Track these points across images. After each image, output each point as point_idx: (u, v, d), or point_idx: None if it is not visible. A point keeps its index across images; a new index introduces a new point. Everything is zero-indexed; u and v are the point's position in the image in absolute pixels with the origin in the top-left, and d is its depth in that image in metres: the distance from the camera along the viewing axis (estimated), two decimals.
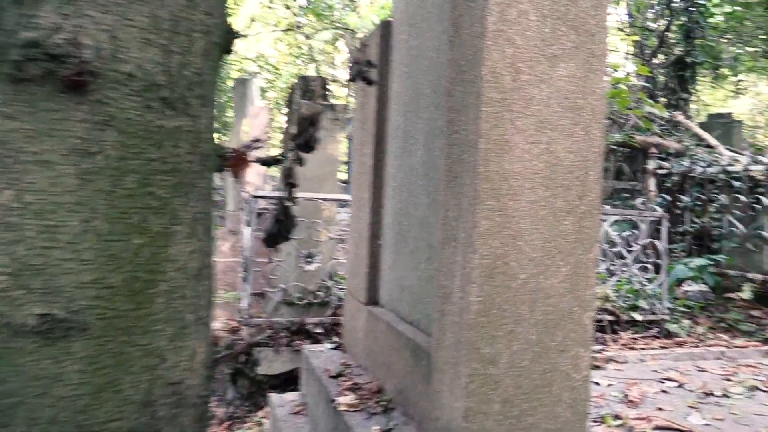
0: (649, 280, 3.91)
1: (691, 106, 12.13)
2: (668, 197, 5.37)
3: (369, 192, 2.07)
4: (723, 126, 9.23)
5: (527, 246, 1.26)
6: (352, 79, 2.04)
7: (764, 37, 11.72)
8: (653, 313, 3.81)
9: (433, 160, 1.63)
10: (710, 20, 11.04)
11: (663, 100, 8.34)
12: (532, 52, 1.26)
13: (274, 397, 2.40)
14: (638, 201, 4.02)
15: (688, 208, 5.17)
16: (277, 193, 3.05)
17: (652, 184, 5.57)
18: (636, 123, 6.52)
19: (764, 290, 4.71)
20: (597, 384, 2.39)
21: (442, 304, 1.38)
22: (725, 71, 13.09)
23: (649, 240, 3.88)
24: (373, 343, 1.94)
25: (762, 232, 4.48)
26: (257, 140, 1.20)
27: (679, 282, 4.71)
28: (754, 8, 12.64)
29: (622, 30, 9.97)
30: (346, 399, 1.78)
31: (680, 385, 2.40)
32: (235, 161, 1.09)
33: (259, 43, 15.75)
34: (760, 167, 4.54)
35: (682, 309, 4.41)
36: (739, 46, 12.01)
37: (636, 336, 3.65)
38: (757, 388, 2.38)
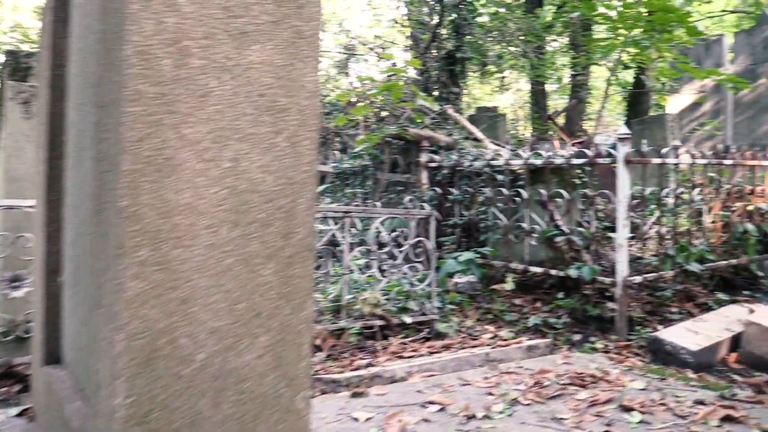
0: (420, 280, 3.80)
1: (462, 99, 12.86)
2: (439, 190, 5.41)
3: (43, 211, 1.52)
4: (489, 119, 9.83)
5: (206, 312, 0.86)
6: None
7: (523, 38, 12.77)
8: (423, 314, 3.70)
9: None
10: (478, 19, 11.74)
11: (436, 93, 8.61)
12: (208, 25, 0.86)
13: None
14: (406, 199, 3.89)
15: (458, 201, 5.25)
16: None
17: (424, 177, 5.58)
18: (410, 115, 6.54)
19: (525, 279, 4.92)
20: (356, 420, 2.10)
21: (89, 402, 0.93)
22: (491, 68, 14.08)
23: (417, 239, 3.76)
24: (55, 419, 1.42)
25: (522, 224, 4.65)
26: None
27: (451, 275, 4.74)
28: (515, 11, 13.72)
29: (397, 22, 10.14)
30: None
31: (443, 408, 2.20)
32: None
33: None
34: (519, 161, 4.69)
35: (452, 306, 4.41)
36: (503, 45, 12.95)
37: (406, 340, 3.50)
38: (518, 402, 2.28)
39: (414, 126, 6.38)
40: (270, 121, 0.89)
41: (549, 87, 16.64)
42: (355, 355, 3.20)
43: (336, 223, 3.56)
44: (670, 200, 4.41)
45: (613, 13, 6.99)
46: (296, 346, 0.94)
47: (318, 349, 3.25)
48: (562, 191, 4.37)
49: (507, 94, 19.45)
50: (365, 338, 3.41)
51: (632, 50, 7.34)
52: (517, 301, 4.68)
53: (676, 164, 4.41)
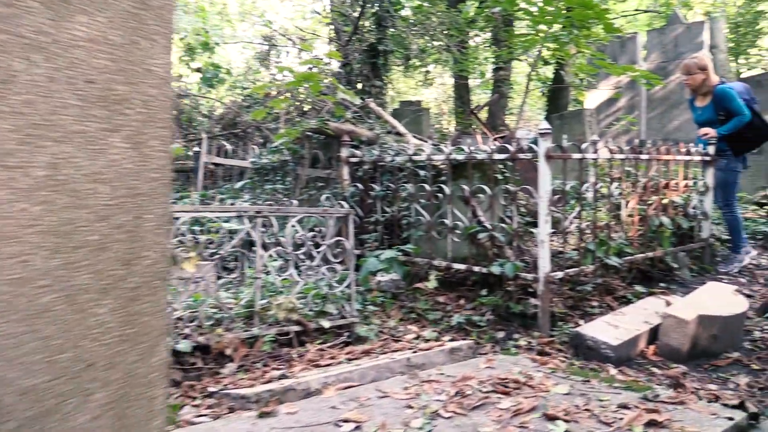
0: (340, 281, 3.62)
1: (388, 93, 12.76)
2: (361, 186, 5.25)
3: None
4: (413, 113, 9.77)
5: (13, 369, 0.65)
6: None
7: (447, 32, 12.77)
8: (343, 317, 3.53)
9: None
10: (401, 12, 11.65)
11: (359, 86, 8.45)
12: None
13: None
14: (323, 197, 3.70)
15: (380, 197, 5.10)
16: None
17: (345, 172, 5.41)
18: (331, 109, 6.34)
19: (449, 276, 4.84)
20: None
21: None
22: (415, 61, 14.04)
23: (336, 239, 3.58)
24: None
25: (445, 220, 4.55)
26: None
27: (373, 273, 4.59)
28: (438, 5, 13.73)
29: (319, 14, 9.90)
30: None
31: (358, 427, 2.04)
32: None
33: None
34: (441, 157, 4.59)
35: (374, 306, 4.26)
36: (426, 39, 12.93)
37: (324, 346, 3.32)
38: (438, 415, 2.14)
39: (335, 120, 6.19)
40: (103, 115, 0.69)
41: (472, 81, 16.82)
42: (269, 364, 2.99)
43: (250, 222, 3.34)
44: (590, 195, 4.42)
45: (533, 9, 7.04)
46: (146, 401, 0.74)
47: (229, 359, 3.02)
48: (485, 187, 4.30)
49: (431, 88, 19.53)
50: (280, 345, 3.21)
51: (552, 46, 7.43)
52: (441, 299, 4.58)
53: (596, 159, 4.42)
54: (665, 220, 4.99)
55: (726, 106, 5.40)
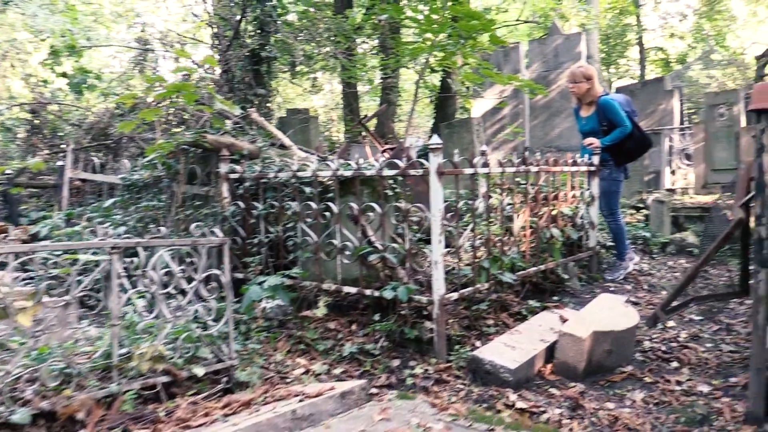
0: (216, 319, 3.20)
1: (274, 101, 12.29)
2: (243, 204, 4.83)
3: None
4: (301, 122, 9.39)
5: None
6: None
7: (334, 38, 12.53)
8: (220, 361, 3.12)
9: None
10: (287, 17, 11.25)
11: (242, 95, 7.96)
12: None
13: None
14: (192, 226, 3.27)
15: (263, 216, 4.71)
16: None
17: (225, 189, 4.97)
18: (210, 120, 5.86)
19: (340, 299, 4.54)
20: None
21: None
22: (303, 68, 13.68)
23: (209, 272, 3.16)
24: None
25: (333, 241, 4.25)
26: None
27: (257, 301, 4.19)
28: (325, 11, 13.44)
29: (197, 16, 9.29)
30: None
31: None
32: None
33: None
34: (328, 172, 4.28)
35: (259, 339, 3.88)
36: (313, 45, 12.61)
37: (199, 398, 2.90)
38: None
39: (214, 132, 5.72)
40: None
41: (362, 88, 16.67)
42: (130, 429, 2.54)
43: (110, 255, 2.86)
44: (482, 208, 4.27)
45: (420, 17, 6.92)
46: None
47: (81, 425, 2.54)
48: (374, 204, 4.04)
49: (320, 95, 19.21)
50: (146, 402, 2.75)
51: (439, 54, 7.35)
52: (332, 325, 4.26)
53: (488, 173, 4.28)
54: (555, 231, 4.96)
55: (609, 117, 5.49)
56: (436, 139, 3.67)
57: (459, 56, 7.14)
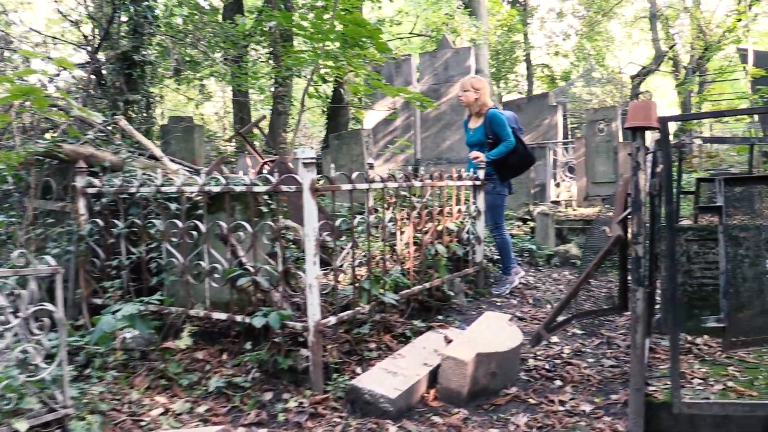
0: (48, 361, 2.74)
1: (157, 109, 11.56)
2: (101, 222, 4.33)
3: None
4: (184, 130, 8.82)
5: None
6: None
7: (223, 45, 12.00)
8: (52, 410, 2.67)
9: None
10: (174, 20, 10.60)
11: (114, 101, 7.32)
12: None
13: None
14: (16, 253, 2.79)
15: (123, 235, 4.24)
16: None
17: (82, 205, 4.44)
18: (67, 128, 5.28)
19: (209, 326, 4.14)
20: None
21: None
22: (189, 74, 13.02)
23: (39, 306, 2.70)
24: None
25: (201, 262, 3.86)
26: None
27: (110, 333, 3.72)
28: (211, 16, 12.87)
29: (63, 14, 8.51)
30: None
31: None
32: None
33: None
34: (194, 188, 3.89)
35: (113, 373, 3.42)
36: (199, 50, 12.01)
37: None
38: None
39: (73, 141, 5.14)
40: None
41: (255, 96, 16.16)
42: None
43: None
44: (363, 226, 4.04)
45: (306, 24, 6.67)
46: None
47: None
48: (245, 223, 3.70)
49: (211, 102, 18.46)
50: None
51: (329, 63, 7.13)
52: (201, 355, 3.87)
53: (367, 189, 4.06)
54: (440, 248, 4.82)
55: (495, 130, 5.48)
56: (309, 153, 3.40)
57: (347, 66, 6.93)
